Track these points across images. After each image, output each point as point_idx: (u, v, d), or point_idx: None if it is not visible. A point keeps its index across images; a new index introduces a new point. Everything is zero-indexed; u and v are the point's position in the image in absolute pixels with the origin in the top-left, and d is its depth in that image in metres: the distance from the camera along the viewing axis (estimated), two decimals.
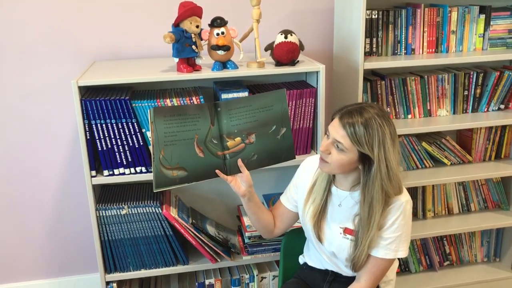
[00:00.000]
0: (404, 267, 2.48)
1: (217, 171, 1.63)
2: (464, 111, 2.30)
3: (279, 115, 1.70)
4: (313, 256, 1.69)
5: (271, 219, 1.72)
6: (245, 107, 1.64)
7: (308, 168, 1.65)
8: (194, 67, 1.84)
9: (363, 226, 1.45)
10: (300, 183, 1.66)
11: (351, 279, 1.55)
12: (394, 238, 1.46)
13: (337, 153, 1.41)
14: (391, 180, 1.40)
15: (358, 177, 1.47)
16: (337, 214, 1.54)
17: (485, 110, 2.31)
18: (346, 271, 1.59)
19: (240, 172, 1.63)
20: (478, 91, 2.28)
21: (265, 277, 2.11)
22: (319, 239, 1.56)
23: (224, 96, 1.84)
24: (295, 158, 1.77)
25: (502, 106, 2.32)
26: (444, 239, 2.47)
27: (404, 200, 1.46)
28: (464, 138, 2.41)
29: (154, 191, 1.61)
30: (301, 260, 1.78)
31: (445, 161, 2.33)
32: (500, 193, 2.46)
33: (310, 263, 1.70)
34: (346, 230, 1.52)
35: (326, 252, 1.59)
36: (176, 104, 1.81)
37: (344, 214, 1.53)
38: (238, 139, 1.64)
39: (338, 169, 1.44)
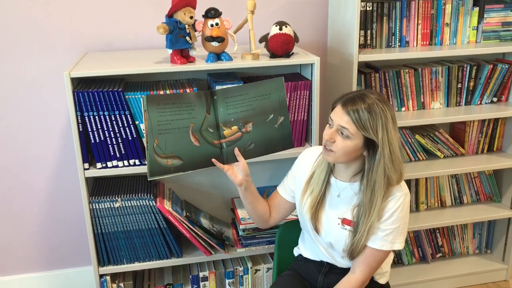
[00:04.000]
0: (397, 259, 2.50)
1: (213, 159, 1.62)
2: (458, 104, 2.31)
3: (276, 104, 1.68)
4: (308, 247, 1.69)
5: (267, 209, 1.72)
6: (242, 95, 1.63)
7: (306, 159, 1.65)
8: (188, 59, 1.82)
9: (364, 212, 1.45)
10: (298, 174, 1.65)
11: (346, 271, 1.56)
12: (392, 230, 1.47)
13: (342, 140, 1.41)
14: (394, 163, 1.41)
15: (359, 166, 1.48)
16: (335, 205, 1.55)
17: (478, 103, 2.32)
18: (342, 263, 1.59)
19: (237, 161, 1.62)
20: (472, 84, 2.28)
21: (259, 270, 2.12)
22: (317, 230, 1.57)
23: (218, 88, 1.82)
24: (293, 147, 1.76)
25: (495, 99, 2.33)
26: (437, 231, 2.49)
27: (403, 193, 1.47)
28: (457, 130, 2.42)
29: (148, 180, 1.60)
30: (296, 252, 1.78)
31: (438, 153, 2.34)
32: (492, 185, 2.48)
33: (305, 255, 1.70)
34: (344, 221, 1.52)
35: (323, 243, 1.59)
36: None
37: (343, 204, 1.53)
38: (234, 127, 1.63)
39: (344, 157, 1.44)
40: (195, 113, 1.58)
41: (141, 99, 1.60)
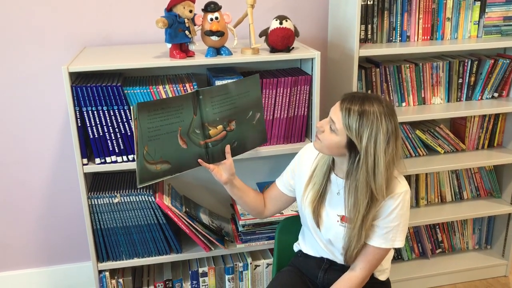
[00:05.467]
0: (396, 255, 2.49)
1: (199, 160, 1.64)
2: (458, 99, 2.30)
3: (254, 101, 1.71)
4: (308, 243, 1.68)
5: (259, 202, 1.73)
6: (225, 94, 1.64)
7: (307, 154, 1.64)
8: (187, 53, 1.81)
9: (351, 219, 1.44)
10: (298, 169, 1.65)
11: (346, 267, 1.55)
12: (392, 228, 1.46)
13: (329, 133, 1.43)
14: (376, 177, 1.38)
15: None
16: (335, 202, 1.54)
17: (479, 98, 2.31)
18: (342, 259, 1.58)
19: (222, 160, 1.64)
20: (472, 79, 2.27)
21: (259, 265, 2.11)
22: (318, 224, 1.56)
23: (218, 83, 1.81)
24: (267, 141, 1.81)
25: (495, 94, 2.32)
26: (437, 227, 2.48)
27: (403, 190, 1.45)
28: (457, 126, 2.41)
29: (138, 187, 1.59)
30: (296, 248, 1.77)
31: (439, 149, 2.33)
32: (492, 181, 2.48)
33: (305, 251, 1.70)
34: (343, 218, 1.51)
35: (323, 239, 1.58)
36: (169, 91, 1.79)
37: (342, 202, 1.52)
38: (220, 127, 1.65)
39: (327, 149, 1.45)
40: (183, 116, 1.58)
41: (131, 108, 1.56)
